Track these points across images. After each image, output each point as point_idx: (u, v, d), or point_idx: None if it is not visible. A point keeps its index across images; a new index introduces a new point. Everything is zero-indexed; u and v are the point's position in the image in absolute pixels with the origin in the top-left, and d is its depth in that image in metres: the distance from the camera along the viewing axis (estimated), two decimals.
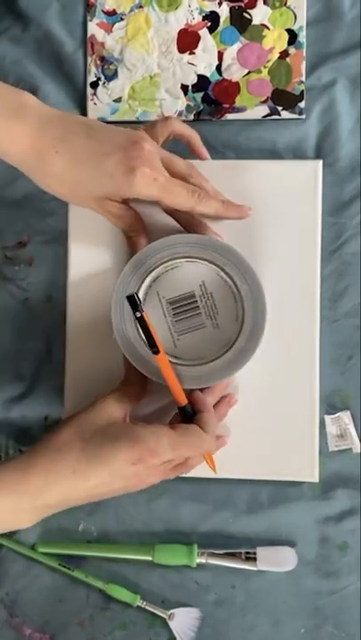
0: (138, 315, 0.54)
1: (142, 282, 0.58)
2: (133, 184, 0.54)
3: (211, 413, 0.57)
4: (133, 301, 0.54)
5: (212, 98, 0.65)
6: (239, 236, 0.62)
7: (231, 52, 0.65)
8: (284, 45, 0.65)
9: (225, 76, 0.65)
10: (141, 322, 0.54)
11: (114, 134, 0.55)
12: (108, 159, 0.53)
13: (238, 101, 0.65)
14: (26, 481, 0.51)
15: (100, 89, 0.66)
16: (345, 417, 0.64)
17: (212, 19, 0.65)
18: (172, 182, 0.55)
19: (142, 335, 0.56)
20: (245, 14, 0.65)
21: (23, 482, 0.51)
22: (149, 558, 0.63)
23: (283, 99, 0.65)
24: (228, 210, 0.59)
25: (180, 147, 0.60)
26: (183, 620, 0.63)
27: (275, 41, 0.65)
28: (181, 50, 0.65)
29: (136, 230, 0.60)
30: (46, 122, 0.54)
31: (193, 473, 0.61)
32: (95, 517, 0.65)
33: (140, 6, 0.66)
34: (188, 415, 0.56)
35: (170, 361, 0.58)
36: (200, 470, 0.59)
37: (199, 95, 0.65)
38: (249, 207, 0.60)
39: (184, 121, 0.65)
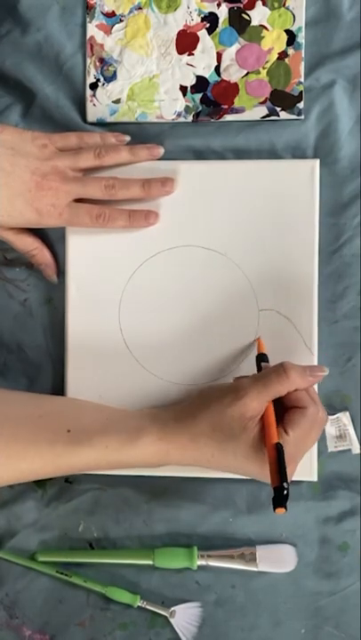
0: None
1: None
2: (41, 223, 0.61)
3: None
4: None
5: (210, 99, 0.65)
6: (238, 235, 0.62)
7: (230, 53, 0.65)
8: (283, 46, 0.65)
9: (224, 77, 0.65)
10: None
11: None
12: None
13: (237, 102, 0.65)
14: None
15: (99, 90, 0.66)
16: (344, 418, 0.63)
17: (210, 20, 0.65)
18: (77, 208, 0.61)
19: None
20: (244, 15, 0.65)
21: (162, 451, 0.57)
22: (150, 562, 0.63)
23: (281, 99, 0.65)
24: (149, 191, 0.62)
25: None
26: (184, 615, 0.63)
27: (273, 42, 0.65)
28: (180, 51, 0.65)
29: (37, 247, 0.64)
30: None
31: (193, 473, 0.61)
32: (95, 518, 0.65)
33: (140, 8, 0.66)
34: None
35: None
36: (199, 470, 0.59)
37: (198, 96, 0.65)
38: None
39: (183, 122, 0.65)
